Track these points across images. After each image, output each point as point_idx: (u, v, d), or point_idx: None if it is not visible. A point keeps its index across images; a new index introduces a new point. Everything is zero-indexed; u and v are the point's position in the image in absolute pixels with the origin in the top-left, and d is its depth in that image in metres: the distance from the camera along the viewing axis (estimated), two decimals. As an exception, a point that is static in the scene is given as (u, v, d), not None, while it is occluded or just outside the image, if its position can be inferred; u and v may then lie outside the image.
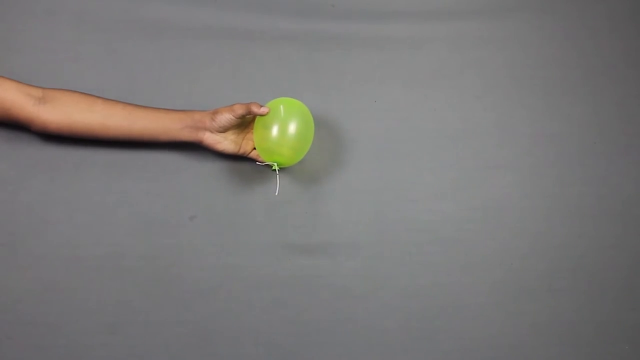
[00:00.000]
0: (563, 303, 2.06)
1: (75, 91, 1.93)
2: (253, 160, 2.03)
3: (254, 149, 1.98)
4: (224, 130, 1.84)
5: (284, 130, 1.88)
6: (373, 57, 2.17)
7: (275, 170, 1.93)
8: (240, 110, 1.79)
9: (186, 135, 1.86)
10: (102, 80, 2.08)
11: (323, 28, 2.17)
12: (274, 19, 2.16)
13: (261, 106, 1.81)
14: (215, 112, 1.82)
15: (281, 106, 1.91)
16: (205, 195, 2.04)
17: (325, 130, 2.11)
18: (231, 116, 1.80)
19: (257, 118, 1.93)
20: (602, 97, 2.18)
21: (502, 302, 2.06)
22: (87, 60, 2.09)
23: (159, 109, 1.88)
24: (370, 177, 2.10)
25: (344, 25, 2.17)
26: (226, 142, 1.88)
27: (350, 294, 2.04)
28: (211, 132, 1.84)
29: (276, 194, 1.94)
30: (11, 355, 1.90)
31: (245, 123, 1.94)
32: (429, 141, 2.14)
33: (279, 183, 1.94)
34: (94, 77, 2.08)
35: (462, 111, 2.16)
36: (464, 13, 2.22)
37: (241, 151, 1.91)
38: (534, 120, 2.16)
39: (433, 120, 2.15)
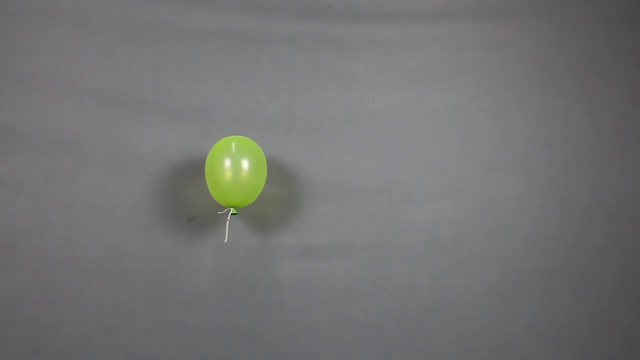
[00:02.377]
0: (560, 304, 2.07)
1: None
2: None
3: None
4: None
5: (236, 175, 1.85)
6: (370, 58, 2.17)
7: (235, 214, 1.91)
8: None
9: None
10: (99, 81, 2.07)
11: (320, 29, 2.17)
12: (270, 21, 2.16)
13: None
14: None
15: (232, 145, 1.88)
16: (202, 198, 2.04)
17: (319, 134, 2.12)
18: None
19: (207, 165, 1.90)
20: (599, 99, 2.18)
21: (499, 303, 2.06)
22: (84, 61, 2.08)
23: None
24: (367, 178, 2.10)
25: (341, 26, 2.17)
26: None
27: (347, 295, 2.04)
28: None
29: (225, 240, 1.93)
30: (10, 357, 1.90)
31: None
32: (426, 142, 2.14)
33: (227, 229, 1.93)
34: (91, 78, 2.07)
35: (460, 112, 2.16)
36: (461, 15, 2.22)
37: None
38: (531, 122, 2.16)
39: (430, 122, 2.15)
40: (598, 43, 2.21)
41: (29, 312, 1.93)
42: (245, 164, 1.86)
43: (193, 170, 2.06)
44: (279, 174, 2.03)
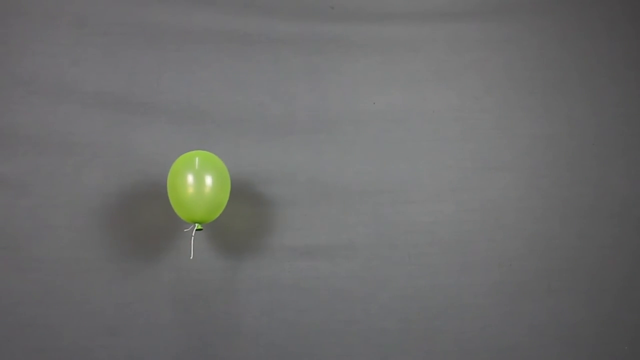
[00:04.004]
0: (562, 303, 2.06)
1: None
2: (252, 168, 2.05)
3: None
4: None
5: (199, 191, 1.82)
6: (371, 59, 2.17)
7: (200, 230, 1.87)
8: None
9: None
10: (101, 83, 2.08)
11: (321, 30, 2.17)
12: (272, 22, 2.16)
13: None
14: None
15: (195, 160, 1.85)
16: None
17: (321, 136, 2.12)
18: None
19: (169, 181, 1.86)
20: (601, 99, 2.17)
21: (501, 303, 2.06)
22: (86, 63, 2.09)
23: None
24: (368, 179, 2.10)
25: (343, 27, 2.17)
26: None
27: (349, 296, 2.04)
28: None
29: (191, 257, 1.91)
30: (13, 357, 1.91)
31: None
32: (427, 143, 2.14)
33: (193, 245, 1.90)
34: (93, 80, 2.08)
35: (461, 112, 2.16)
36: (462, 15, 2.22)
37: None
38: (533, 122, 2.16)
39: (432, 122, 2.15)
40: (600, 43, 2.20)
41: (32, 313, 1.95)
42: (208, 180, 1.82)
43: (195, 171, 2.06)
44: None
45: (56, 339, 1.93)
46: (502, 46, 2.21)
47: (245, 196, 2.07)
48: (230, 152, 2.07)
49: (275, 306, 2.01)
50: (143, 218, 2.03)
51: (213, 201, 1.83)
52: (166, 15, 2.13)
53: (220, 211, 1.88)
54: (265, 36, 2.15)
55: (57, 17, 2.10)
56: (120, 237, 2.01)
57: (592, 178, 2.13)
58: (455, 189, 2.11)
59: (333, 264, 2.05)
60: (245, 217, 2.06)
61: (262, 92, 2.12)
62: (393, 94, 2.16)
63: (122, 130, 2.07)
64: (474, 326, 2.04)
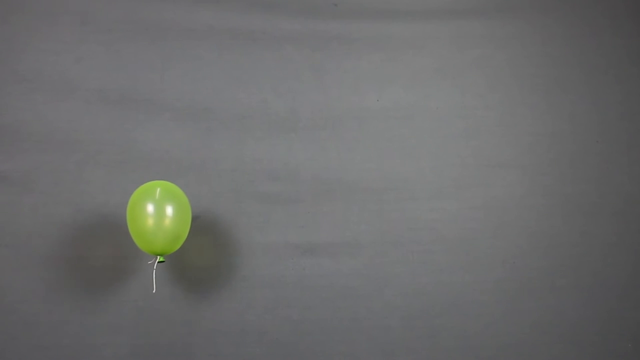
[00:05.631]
0: (565, 301, 2.06)
1: None
2: (255, 166, 2.04)
3: None
4: None
5: (159, 222, 1.76)
6: (375, 56, 2.17)
7: (161, 262, 1.82)
8: None
9: None
10: (105, 80, 2.08)
11: (325, 28, 2.17)
12: (276, 19, 2.16)
13: None
14: None
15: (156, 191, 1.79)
16: (207, 197, 2.05)
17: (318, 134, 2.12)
18: None
19: (128, 212, 1.80)
20: (605, 96, 2.18)
21: (504, 301, 2.06)
22: (89, 60, 2.09)
23: None
24: (372, 176, 2.10)
25: (346, 24, 2.17)
26: None
27: (353, 293, 2.04)
28: None
29: (154, 291, 1.87)
30: (16, 355, 1.91)
31: None
32: (431, 140, 2.14)
33: (155, 278, 1.86)
34: (96, 78, 2.08)
35: (465, 110, 2.16)
36: (466, 12, 2.22)
37: None
38: (536, 119, 2.16)
39: (435, 119, 2.15)
40: (604, 40, 2.20)
41: (35, 310, 1.94)
42: (169, 210, 1.76)
43: (198, 168, 2.06)
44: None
45: (60, 336, 1.93)
46: (505, 43, 2.21)
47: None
48: (233, 149, 2.07)
49: (278, 304, 2.01)
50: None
51: (173, 233, 1.77)
52: (169, 13, 2.13)
53: (181, 243, 1.83)
54: (268, 33, 2.15)
55: (60, 15, 2.10)
56: (124, 235, 1.99)
57: (595, 176, 2.13)
58: (458, 186, 2.11)
59: (336, 262, 2.05)
60: (250, 214, 2.05)
61: (266, 89, 2.12)
62: (396, 91, 2.16)
63: (125, 127, 2.07)
64: (477, 324, 2.04)
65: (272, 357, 1.99)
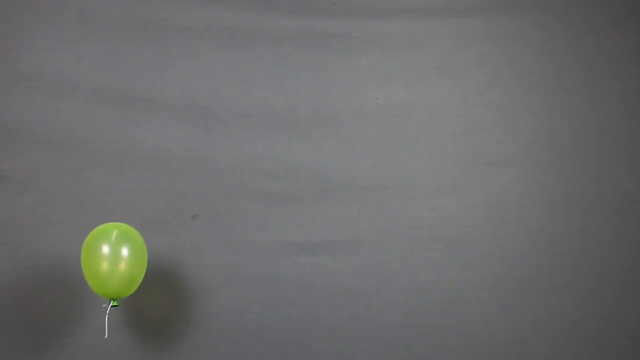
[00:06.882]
0: (564, 299, 2.07)
1: None
2: (254, 164, 2.06)
3: None
4: None
5: (113, 266, 1.71)
6: (374, 54, 2.17)
7: (115, 306, 1.75)
8: None
9: None
10: (104, 78, 2.09)
11: (324, 26, 2.17)
12: (274, 18, 2.17)
13: None
14: None
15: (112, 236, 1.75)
16: (207, 195, 2.05)
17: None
18: None
19: (83, 254, 1.76)
20: (603, 94, 2.18)
21: (503, 298, 2.07)
22: (89, 59, 2.10)
23: None
24: (371, 174, 2.11)
25: (345, 23, 2.18)
26: None
27: (352, 292, 2.05)
28: None
29: (105, 336, 1.78)
30: (16, 354, 1.92)
31: None
32: (430, 138, 2.14)
33: (107, 322, 1.78)
34: (96, 76, 2.09)
35: (463, 108, 2.16)
36: (465, 10, 2.23)
37: None
38: (535, 117, 2.17)
39: (434, 117, 2.16)
40: (603, 38, 2.21)
41: (35, 309, 1.95)
42: (124, 252, 1.72)
43: (197, 166, 2.07)
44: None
45: (59, 335, 1.94)
46: (504, 42, 2.21)
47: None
48: (233, 148, 2.08)
49: (279, 302, 2.02)
50: (147, 213, 2.04)
51: (129, 275, 1.73)
52: (169, 11, 2.15)
53: (136, 287, 1.78)
54: (267, 32, 2.16)
55: (60, 14, 2.12)
56: None
57: (594, 174, 2.14)
58: (457, 184, 2.12)
59: (336, 260, 2.06)
60: (249, 212, 2.06)
61: (265, 87, 2.14)
62: (395, 89, 2.17)
63: (125, 125, 2.08)
64: (476, 321, 2.05)
65: (271, 355, 2.00)
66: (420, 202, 2.10)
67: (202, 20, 2.15)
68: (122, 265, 1.72)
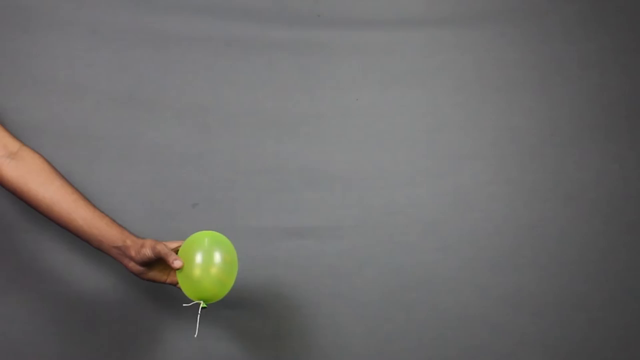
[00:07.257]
0: (526, 277, 2.29)
1: (46, 161, 1.81)
2: (248, 158, 2.25)
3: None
4: (146, 264, 1.68)
5: (207, 267, 1.74)
6: (355, 60, 2.36)
7: (204, 308, 1.75)
8: (159, 253, 1.64)
9: (114, 254, 1.71)
10: (112, 83, 2.27)
11: (309, 36, 2.36)
12: (265, 29, 2.35)
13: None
14: (142, 245, 1.64)
15: (205, 240, 1.79)
16: (205, 186, 2.24)
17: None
18: (152, 254, 1.64)
19: (180, 254, 1.74)
20: (558, 95, 2.39)
21: (471, 277, 2.28)
22: (99, 65, 2.27)
23: (103, 216, 1.74)
24: (352, 167, 2.31)
25: (329, 32, 2.37)
26: (152, 273, 1.72)
27: (336, 272, 2.26)
28: (135, 262, 1.67)
29: (195, 335, 1.79)
30: (16, 354, 2.04)
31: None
32: (405, 134, 2.35)
33: (199, 323, 1.78)
34: (105, 81, 2.27)
35: (435, 108, 2.37)
36: (435, 21, 2.41)
37: (168, 281, 1.74)
38: (499, 116, 2.37)
39: (408, 116, 2.36)
40: (557, 45, 2.40)
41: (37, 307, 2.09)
42: (217, 258, 1.77)
43: (196, 160, 2.26)
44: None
45: (60, 333, 2.10)
46: (471, 49, 2.40)
47: None
48: (228, 144, 2.27)
49: (270, 281, 2.22)
50: (152, 202, 2.24)
51: (221, 281, 1.78)
52: (171, 23, 2.31)
53: (227, 291, 1.83)
54: (259, 41, 2.34)
55: (73, 25, 2.27)
56: (131, 219, 2.10)
57: (550, 166, 2.35)
58: (430, 175, 2.32)
59: (322, 243, 2.26)
60: (244, 201, 2.25)
61: (257, 90, 2.31)
62: (373, 91, 2.35)
63: (131, 124, 2.25)
64: (448, 298, 2.27)
65: (263, 328, 2.20)
66: (397, 191, 2.30)
67: (201, 31, 2.31)
68: (215, 272, 1.76)
